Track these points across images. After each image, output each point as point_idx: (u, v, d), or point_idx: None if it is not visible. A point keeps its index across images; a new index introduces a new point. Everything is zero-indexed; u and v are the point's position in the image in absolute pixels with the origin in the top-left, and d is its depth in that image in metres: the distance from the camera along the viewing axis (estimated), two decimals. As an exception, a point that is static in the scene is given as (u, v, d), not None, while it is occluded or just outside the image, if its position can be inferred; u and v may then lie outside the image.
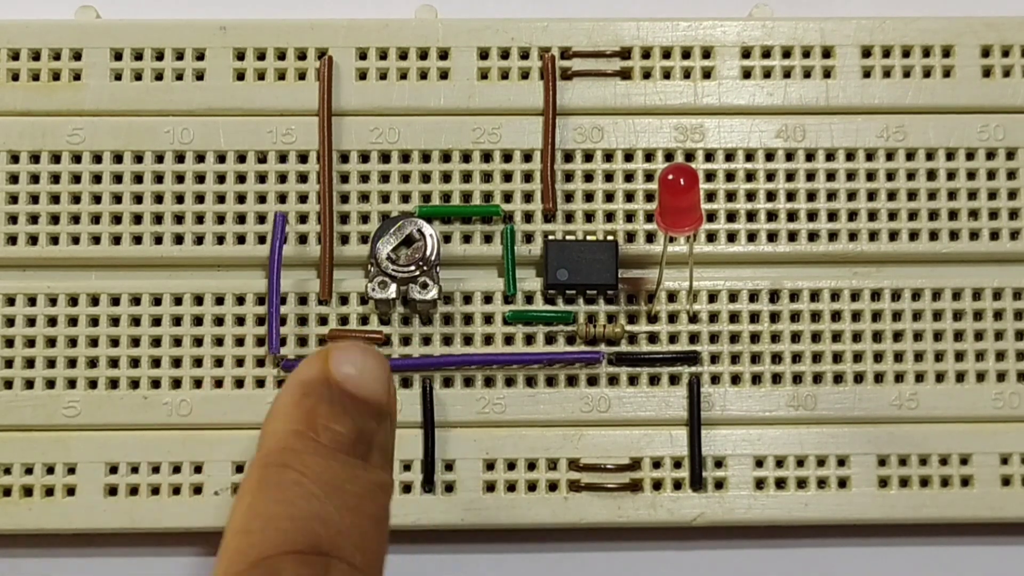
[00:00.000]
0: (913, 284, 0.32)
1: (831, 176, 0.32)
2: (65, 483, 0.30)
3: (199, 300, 0.31)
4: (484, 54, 0.32)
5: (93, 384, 0.31)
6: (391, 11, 0.33)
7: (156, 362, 0.31)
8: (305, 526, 0.23)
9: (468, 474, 0.31)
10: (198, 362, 0.31)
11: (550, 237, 0.31)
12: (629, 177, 0.32)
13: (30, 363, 0.31)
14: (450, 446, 0.31)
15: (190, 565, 0.31)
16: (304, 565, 0.22)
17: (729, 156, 0.32)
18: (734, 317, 0.31)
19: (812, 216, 0.32)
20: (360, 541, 0.23)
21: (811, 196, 0.32)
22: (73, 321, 0.31)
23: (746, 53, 0.32)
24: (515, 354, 0.31)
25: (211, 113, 0.32)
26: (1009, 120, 0.32)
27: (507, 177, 0.32)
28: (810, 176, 0.32)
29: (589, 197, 0.32)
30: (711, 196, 0.32)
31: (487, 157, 0.32)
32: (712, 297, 0.31)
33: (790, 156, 0.32)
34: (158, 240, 0.31)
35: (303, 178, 0.31)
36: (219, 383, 0.31)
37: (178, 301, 0.31)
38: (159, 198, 0.31)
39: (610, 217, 0.32)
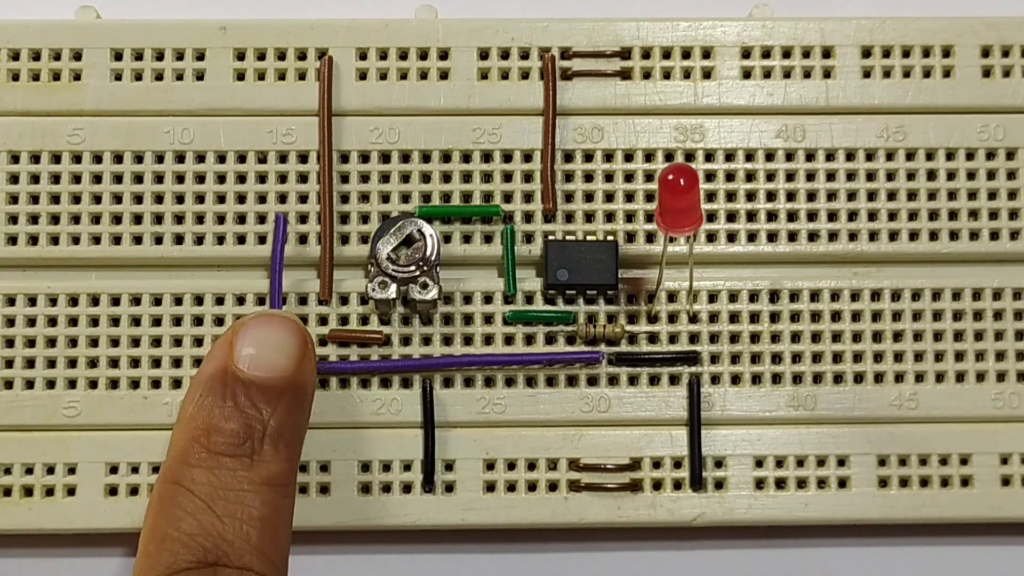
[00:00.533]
0: (913, 284, 0.32)
1: (831, 176, 0.32)
2: (65, 483, 0.30)
3: (199, 300, 0.31)
4: (484, 54, 0.32)
5: (93, 384, 0.31)
6: (391, 11, 0.33)
7: (156, 362, 0.31)
8: (191, 543, 0.25)
9: (468, 474, 0.31)
10: (198, 362, 0.31)
11: (550, 237, 0.31)
12: (629, 177, 0.32)
13: (30, 363, 0.31)
14: (450, 446, 0.31)
15: (190, 565, 0.31)
16: None
17: (729, 156, 0.32)
18: (734, 317, 0.31)
19: (812, 216, 0.32)
20: (246, 543, 0.25)
21: (811, 196, 0.32)
22: (73, 321, 0.31)
23: (746, 53, 0.32)
24: (515, 354, 0.31)
25: (211, 113, 0.32)
26: (1009, 120, 0.32)
27: (507, 177, 0.32)
28: (810, 176, 0.32)
29: (589, 197, 0.32)
30: (711, 196, 0.32)
31: (487, 157, 0.32)
32: (712, 297, 0.31)
33: (790, 156, 0.32)
34: (158, 240, 0.31)
35: (303, 178, 0.31)
36: (219, 383, 0.31)
37: (178, 301, 0.31)
38: (159, 198, 0.31)
39: (610, 217, 0.32)
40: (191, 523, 0.25)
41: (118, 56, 0.32)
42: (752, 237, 0.32)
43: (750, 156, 0.32)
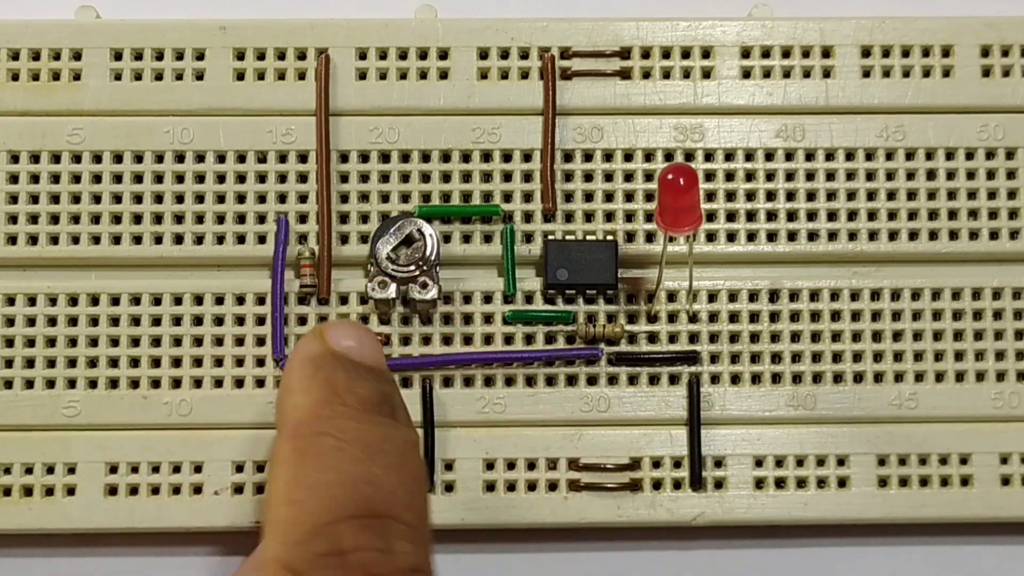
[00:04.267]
0: (913, 284, 0.32)
1: (831, 176, 0.32)
2: (65, 483, 0.30)
3: (199, 300, 0.31)
4: (484, 54, 0.32)
5: (93, 384, 0.31)
6: (391, 11, 0.33)
7: (156, 362, 0.31)
8: (355, 490, 0.23)
9: (468, 474, 0.31)
10: (198, 362, 0.31)
11: (550, 237, 0.31)
12: (629, 177, 0.32)
13: (30, 363, 0.31)
14: (450, 446, 0.31)
15: (190, 565, 0.31)
16: (363, 529, 0.22)
17: (729, 156, 0.32)
18: (734, 317, 0.31)
19: (812, 216, 0.32)
20: (408, 499, 0.23)
21: (811, 196, 0.32)
22: (73, 321, 0.31)
23: (746, 53, 0.32)
24: (514, 351, 0.31)
25: (211, 113, 0.32)
26: (1008, 120, 0.32)
27: (507, 177, 0.32)
28: (810, 176, 0.32)
29: (589, 197, 0.32)
30: (711, 196, 0.32)
31: (487, 157, 0.32)
32: (712, 297, 0.31)
33: (790, 156, 0.32)
34: (158, 240, 0.31)
35: (303, 178, 0.31)
36: (219, 383, 0.31)
37: (178, 301, 0.31)
38: (159, 198, 0.31)
39: (610, 217, 0.32)
40: (351, 470, 0.23)
41: (118, 56, 0.32)
42: (752, 237, 0.32)
43: (750, 156, 0.32)
